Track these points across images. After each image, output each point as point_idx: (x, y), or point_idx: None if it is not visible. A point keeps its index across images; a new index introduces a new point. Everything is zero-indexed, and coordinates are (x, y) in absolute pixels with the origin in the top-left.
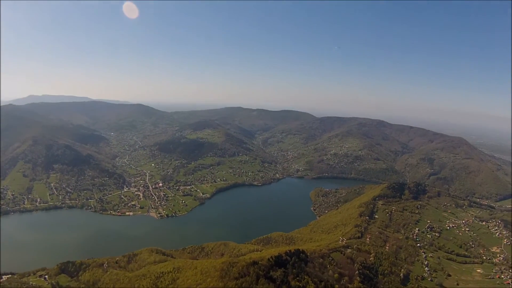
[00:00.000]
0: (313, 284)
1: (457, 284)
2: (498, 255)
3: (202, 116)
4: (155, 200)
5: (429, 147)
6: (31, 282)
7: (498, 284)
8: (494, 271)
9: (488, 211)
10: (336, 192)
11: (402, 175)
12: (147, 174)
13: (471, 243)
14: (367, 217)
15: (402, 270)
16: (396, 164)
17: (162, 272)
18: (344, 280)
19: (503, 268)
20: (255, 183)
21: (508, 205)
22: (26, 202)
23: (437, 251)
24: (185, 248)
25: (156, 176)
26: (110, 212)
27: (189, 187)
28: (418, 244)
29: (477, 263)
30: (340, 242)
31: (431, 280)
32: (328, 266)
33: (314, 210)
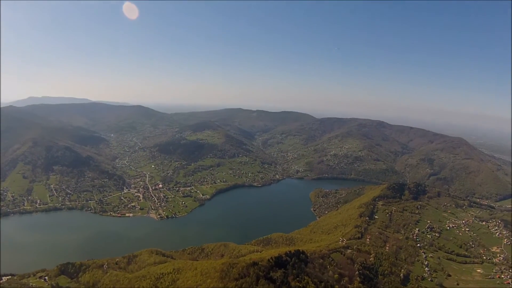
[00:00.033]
0: (313, 285)
1: (457, 284)
2: (498, 255)
3: (202, 117)
4: (155, 201)
5: (429, 148)
6: (31, 284)
7: (498, 284)
8: (494, 271)
9: (488, 211)
10: (336, 192)
11: (402, 176)
12: (147, 176)
13: (471, 243)
14: (367, 218)
15: (402, 270)
16: (396, 164)
17: (162, 273)
18: (344, 281)
19: (503, 268)
20: (255, 184)
21: (508, 205)
22: (26, 204)
23: (437, 251)
24: (185, 249)
25: (156, 178)
26: (110, 214)
27: (189, 188)
28: (418, 244)
29: (477, 263)
30: (340, 242)
31: (431, 280)
32: (328, 266)
33: (314, 210)
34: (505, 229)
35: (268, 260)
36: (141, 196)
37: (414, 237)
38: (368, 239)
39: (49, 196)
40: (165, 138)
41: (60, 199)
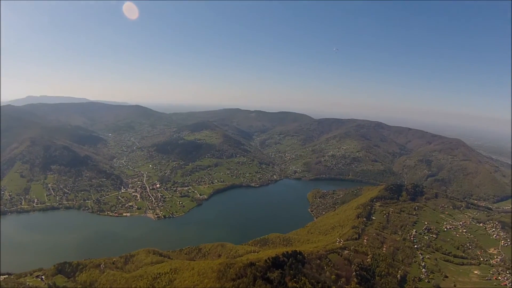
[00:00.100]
0: (310, 285)
1: (454, 286)
2: (495, 257)
3: (200, 117)
4: (153, 201)
5: (427, 149)
6: (27, 283)
7: (495, 285)
8: (491, 272)
9: (486, 212)
10: (333, 193)
11: (400, 177)
12: (145, 175)
13: (468, 245)
14: (364, 219)
15: (399, 271)
16: (394, 165)
17: (159, 273)
18: (341, 282)
19: (500, 269)
20: (253, 184)
21: (506, 207)
22: (23, 203)
23: (434, 252)
24: (182, 249)
25: (153, 177)
26: (107, 213)
27: (186, 188)
28: (415, 246)
29: (474, 265)
30: (337, 243)
31: (428, 282)
32: (325, 267)
33: (312, 211)
34: (503, 231)
35: (265, 260)
36: (138, 195)
37: (411, 238)
38: (365, 240)
39: (47, 195)
40: (163, 138)
41: (57, 198)
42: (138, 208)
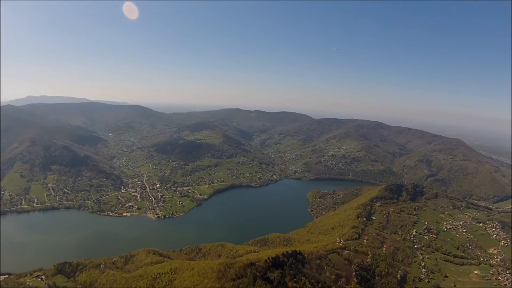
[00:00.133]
0: (310, 285)
1: (454, 286)
2: (495, 257)
3: (200, 117)
4: (153, 201)
5: (427, 149)
6: (27, 283)
7: (495, 285)
8: (491, 272)
9: (486, 212)
10: (333, 193)
11: (400, 177)
12: (145, 175)
13: (468, 245)
14: (364, 219)
15: (399, 271)
16: (394, 165)
17: (159, 273)
18: (341, 282)
19: (500, 269)
20: (253, 184)
21: (506, 207)
22: (23, 203)
23: (434, 252)
24: (182, 249)
25: (153, 177)
26: (107, 213)
27: (186, 188)
28: (415, 246)
29: (474, 265)
30: (337, 243)
31: (428, 282)
32: (325, 267)
33: (312, 211)
34: (503, 231)
35: (265, 260)
36: (138, 195)
37: (411, 238)
38: (365, 240)
39: (47, 195)
40: (163, 138)
41: (57, 198)
42: (138, 208)
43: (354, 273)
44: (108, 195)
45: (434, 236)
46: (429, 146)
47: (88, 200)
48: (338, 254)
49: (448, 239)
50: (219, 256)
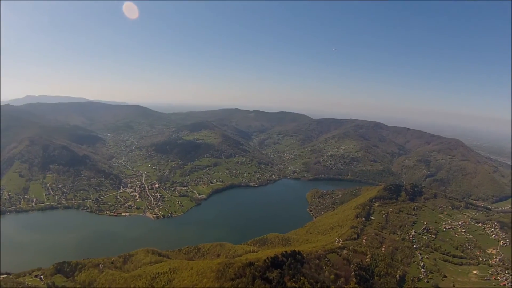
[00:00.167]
0: (309, 285)
1: (453, 286)
2: (494, 257)
3: (199, 117)
4: (151, 200)
5: (425, 149)
6: (26, 282)
7: (494, 285)
8: (490, 272)
9: (485, 212)
10: (332, 193)
11: (399, 177)
12: (144, 175)
13: (467, 245)
14: (363, 219)
15: (398, 271)
16: (393, 165)
17: (158, 272)
18: (340, 281)
19: (499, 269)
20: (252, 184)
21: (504, 207)
22: (22, 202)
23: (433, 252)
24: (181, 248)
25: (152, 177)
26: (106, 213)
27: (185, 188)
28: (414, 246)
29: (473, 265)
30: (336, 243)
31: (427, 282)
32: (324, 267)
33: (310, 211)
34: (501, 231)
35: (264, 260)
36: (137, 195)
37: (410, 238)
38: (364, 240)
39: (46, 195)
40: (162, 138)
41: (56, 198)
42: (137, 208)
43: (353, 273)
44: (107, 194)
45: (433, 236)
46: (428, 146)
47: (87, 199)
48: (337, 254)
49: (447, 239)
50: (218, 256)
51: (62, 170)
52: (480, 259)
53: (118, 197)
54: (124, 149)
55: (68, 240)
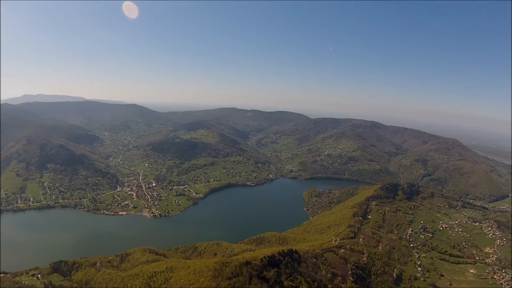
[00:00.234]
0: (306, 284)
1: (450, 284)
2: (491, 256)
3: (197, 116)
4: (148, 199)
5: (423, 149)
6: (23, 282)
7: (491, 284)
8: (487, 271)
9: (481, 212)
10: (329, 192)
11: (396, 176)
12: (141, 174)
13: (464, 244)
14: (360, 218)
15: (395, 270)
16: (390, 165)
17: (155, 271)
18: (337, 280)
19: (496, 268)
20: (249, 183)
21: (501, 206)
22: (19, 201)
23: (430, 251)
24: (178, 247)
25: (149, 176)
26: (103, 212)
27: (182, 187)
28: (411, 245)
29: (470, 264)
30: (333, 242)
31: (424, 280)
32: (321, 266)
33: (307, 210)
34: (498, 230)
35: (261, 259)
36: (134, 194)
37: (407, 237)
38: (361, 239)
39: (43, 194)
40: (159, 137)
41: (53, 197)
42: (134, 207)
43: (350, 271)
44: (104, 193)
45: (430, 235)
46: (425, 146)
47: (84, 198)
48: (334, 253)
49: (444, 238)
50: (215, 254)
51: (59, 169)
52: (477, 258)
53: (115, 196)
54: (121, 148)
55: (65, 239)
